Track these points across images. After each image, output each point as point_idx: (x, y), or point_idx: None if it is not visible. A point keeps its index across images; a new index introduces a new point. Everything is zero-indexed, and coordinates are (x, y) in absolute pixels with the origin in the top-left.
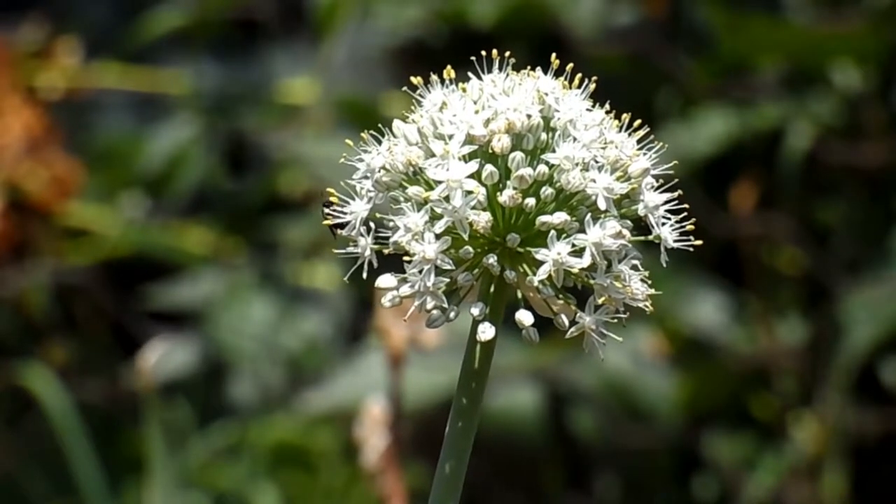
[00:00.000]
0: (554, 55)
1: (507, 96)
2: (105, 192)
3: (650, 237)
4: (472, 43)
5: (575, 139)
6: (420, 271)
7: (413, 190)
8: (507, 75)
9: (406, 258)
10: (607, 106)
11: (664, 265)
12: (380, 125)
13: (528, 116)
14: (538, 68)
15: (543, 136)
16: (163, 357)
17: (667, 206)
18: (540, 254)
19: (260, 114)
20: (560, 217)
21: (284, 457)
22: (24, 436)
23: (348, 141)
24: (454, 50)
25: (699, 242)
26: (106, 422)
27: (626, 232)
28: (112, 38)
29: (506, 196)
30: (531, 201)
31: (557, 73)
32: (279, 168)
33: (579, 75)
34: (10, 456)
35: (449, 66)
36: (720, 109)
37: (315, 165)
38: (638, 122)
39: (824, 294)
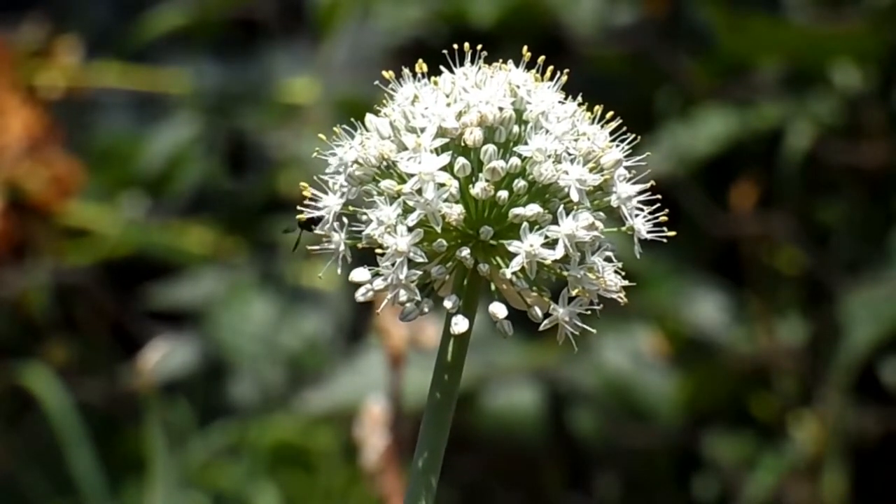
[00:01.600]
0: (527, 51)
1: (479, 89)
2: (105, 192)
3: (623, 228)
4: (472, 43)
5: (547, 131)
6: (393, 264)
7: (386, 183)
8: (479, 68)
9: (379, 251)
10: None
11: (637, 257)
12: (353, 120)
13: (500, 109)
14: (510, 61)
15: (516, 128)
16: (163, 357)
17: (640, 198)
18: (513, 246)
19: (260, 114)
20: (533, 209)
21: (284, 457)
22: (24, 436)
23: (321, 136)
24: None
25: (672, 233)
26: (106, 422)
27: (598, 223)
28: (112, 38)
29: (478, 188)
30: (504, 194)
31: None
32: (279, 168)
33: (551, 67)
34: (10, 456)
35: (420, 60)
36: (720, 109)
37: (314, 165)
38: (610, 114)
39: (824, 294)
